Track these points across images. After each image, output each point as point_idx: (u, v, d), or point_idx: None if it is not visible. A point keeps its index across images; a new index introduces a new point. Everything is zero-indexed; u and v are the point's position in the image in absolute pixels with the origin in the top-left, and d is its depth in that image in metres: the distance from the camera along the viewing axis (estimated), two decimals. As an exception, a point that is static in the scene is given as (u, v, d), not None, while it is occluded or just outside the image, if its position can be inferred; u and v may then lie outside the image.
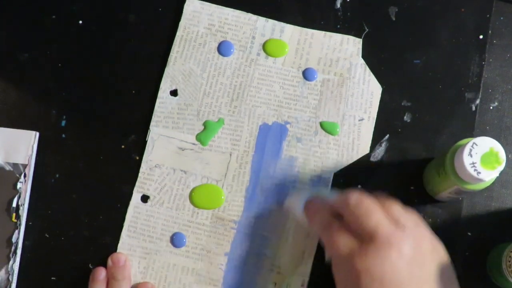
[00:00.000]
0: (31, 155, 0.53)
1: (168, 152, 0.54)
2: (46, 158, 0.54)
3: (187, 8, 0.56)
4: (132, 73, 0.55)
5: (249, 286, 0.51)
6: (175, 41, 0.55)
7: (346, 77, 0.55)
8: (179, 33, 0.55)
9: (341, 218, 0.46)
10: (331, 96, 0.54)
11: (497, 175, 0.44)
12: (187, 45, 0.55)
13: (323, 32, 0.56)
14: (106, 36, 0.56)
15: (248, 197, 0.53)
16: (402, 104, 0.54)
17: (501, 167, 0.43)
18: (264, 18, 0.56)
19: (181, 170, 0.53)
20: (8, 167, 0.53)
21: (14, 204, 0.53)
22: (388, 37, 0.56)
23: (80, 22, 0.56)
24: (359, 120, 0.54)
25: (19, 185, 0.53)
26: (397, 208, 0.46)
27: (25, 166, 0.53)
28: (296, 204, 0.51)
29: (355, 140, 0.54)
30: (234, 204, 0.53)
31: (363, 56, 0.55)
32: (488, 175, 0.43)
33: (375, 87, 0.54)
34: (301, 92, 0.55)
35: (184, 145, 0.54)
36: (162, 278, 0.52)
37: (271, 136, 0.54)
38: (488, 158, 0.44)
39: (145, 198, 0.53)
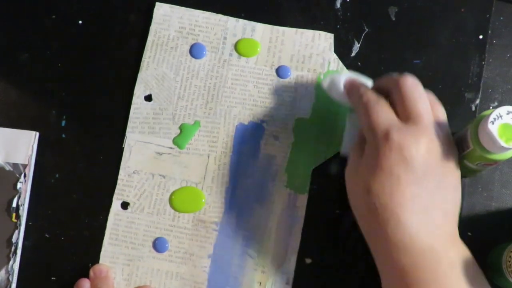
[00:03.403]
0: (31, 155, 0.53)
1: (145, 157, 0.54)
2: (46, 158, 0.54)
3: (157, 12, 0.56)
4: (132, 72, 0.55)
5: (234, 287, 0.51)
6: (146, 46, 0.55)
7: (320, 72, 0.55)
8: (150, 37, 0.55)
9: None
10: (305, 92, 0.54)
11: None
12: (158, 49, 0.55)
13: (295, 29, 0.56)
14: (106, 36, 0.56)
15: (228, 198, 0.53)
16: (402, 104, 0.54)
17: None
18: (234, 18, 0.56)
19: (160, 175, 0.53)
20: (8, 167, 0.53)
21: (14, 204, 0.53)
22: (388, 37, 0.56)
23: (80, 22, 0.56)
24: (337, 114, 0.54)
25: (19, 185, 0.53)
26: (442, 110, 0.47)
27: (25, 166, 0.53)
28: (335, 83, 0.51)
29: (334, 134, 0.54)
30: (214, 206, 0.53)
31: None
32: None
33: None
34: (275, 90, 0.55)
35: (161, 149, 0.54)
36: (147, 284, 0.52)
37: (248, 136, 0.54)
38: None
39: (125, 205, 0.53)
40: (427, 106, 0.46)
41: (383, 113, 0.45)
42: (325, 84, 0.52)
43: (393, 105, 0.47)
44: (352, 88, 0.50)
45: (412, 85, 0.46)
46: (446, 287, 0.42)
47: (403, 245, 0.43)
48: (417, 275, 0.43)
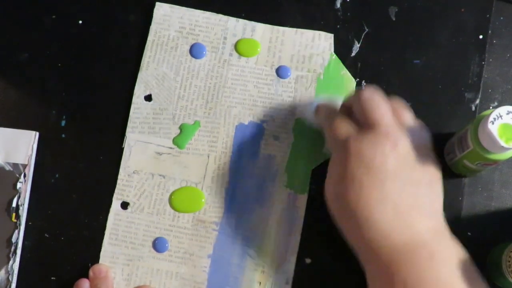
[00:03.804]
0: (31, 155, 0.53)
1: (145, 157, 0.53)
2: (46, 158, 0.54)
3: (157, 12, 0.56)
4: (132, 72, 0.55)
5: (234, 287, 0.51)
6: (146, 46, 0.55)
7: (320, 72, 0.55)
8: (150, 37, 0.55)
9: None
10: (305, 93, 0.54)
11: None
12: (159, 49, 0.55)
13: (295, 29, 0.56)
14: (106, 36, 0.56)
15: (228, 198, 0.53)
16: (402, 104, 0.55)
17: None
18: (234, 18, 0.56)
19: (160, 175, 0.53)
20: (8, 167, 0.53)
21: (14, 204, 0.53)
22: (388, 37, 0.56)
23: (80, 22, 0.56)
24: None
25: (19, 185, 0.53)
26: (408, 114, 0.48)
27: (25, 166, 0.53)
28: (307, 107, 0.54)
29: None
30: (214, 206, 0.53)
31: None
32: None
33: (349, 80, 0.55)
34: (275, 90, 0.55)
35: (161, 149, 0.54)
36: (147, 284, 0.52)
37: (248, 136, 0.54)
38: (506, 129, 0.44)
39: (125, 205, 0.53)
40: (385, 113, 0.47)
41: (342, 125, 0.48)
42: (302, 113, 0.54)
43: (355, 118, 0.48)
44: (318, 111, 0.52)
45: (368, 96, 0.47)
46: (426, 275, 0.43)
47: (378, 245, 0.45)
48: (397, 269, 0.44)
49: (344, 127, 0.48)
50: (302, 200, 0.53)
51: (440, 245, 0.45)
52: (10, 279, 0.52)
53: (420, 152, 0.46)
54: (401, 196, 0.45)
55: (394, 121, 0.47)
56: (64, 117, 0.55)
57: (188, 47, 0.55)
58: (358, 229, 0.45)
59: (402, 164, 0.45)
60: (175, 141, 0.54)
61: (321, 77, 0.55)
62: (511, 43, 0.55)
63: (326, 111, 0.51)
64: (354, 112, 0.48)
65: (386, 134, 0.46)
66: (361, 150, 0.45)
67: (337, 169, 0.47)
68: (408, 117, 0.48)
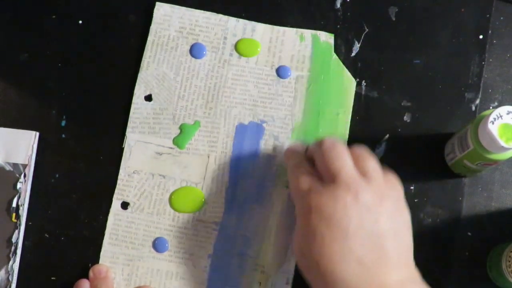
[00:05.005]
0: (31, 155, 0.53)
1: (145, 157, 0.54)
2: (46, 158, 0.54)
3: (157, 12, 0.56)
4: (132, 72, 0.55)
5: (234, 287, 0.51)
6: (146, 46, 0.55)
7: (320, 72, 0.55)
8: (150, 37, 0.55)
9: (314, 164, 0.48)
10: (305, 93, 0.54)
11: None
12: (159, 49, 0.55)
13: (295, 29, 0.56)
14: (106, 36, 0.56)
15: (228, 198, 0.53)
16: (402, 104, 0.55)
17: None
18: (234, 18, 0.56)
19: (160, 175, 0.53)
20: (8, 167, 0.53)
21: (14, 204, 0.53)
22: (388, 37, 0.56)
23: (80, 22, 0.56)
24: (335, 115, 0.54)
25: (19, 185, 0.53)
26: (371, 162, 0.46)
27: (25, 166, 0.53)
28: None
29: (333, 134, 0.54)
30: (214, 206, 0.53)
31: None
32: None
33: (349, 80, 0.55)
34: (275, 90, 0.55)
35: (161, 149, 0.54)
36: (147, 284, 0.52)
37: (248, 136, 0.54)
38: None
39: (125, 205, 0.53)
40: (345, 163, 0.45)
41: (303, 177, 0.46)
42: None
43: (317, 168, 0.47)
44: (287, 156, 0.51)
45: (329, 146, 0.46)
46: None
47: None
48: None
49: (307, 179, 0.46)
50: (302, 200, 0.53)
51: None
52: (10, 279, 0.52)
53: (385, 201, 0.44)
54: (365, 249, 0.43)
55: (355, 171, 0.45)
56: (64, 117, 0.55)
57: (188, 47, 0.55)
58: (324, 283, 0.43)
59: (365, 216, 0.43)
60: (175, 141, 0.54)
61: (321, 77, 0.55)
62: (511, 43, 0.56)
63: (293, 157, 0.50)
64: (316, 163, 0.47)
65: (347, 185, 0.44)
66: (321, 204, 0.44)
67: (299, 222, 0.46)
68: (372, 165, 0.46)
